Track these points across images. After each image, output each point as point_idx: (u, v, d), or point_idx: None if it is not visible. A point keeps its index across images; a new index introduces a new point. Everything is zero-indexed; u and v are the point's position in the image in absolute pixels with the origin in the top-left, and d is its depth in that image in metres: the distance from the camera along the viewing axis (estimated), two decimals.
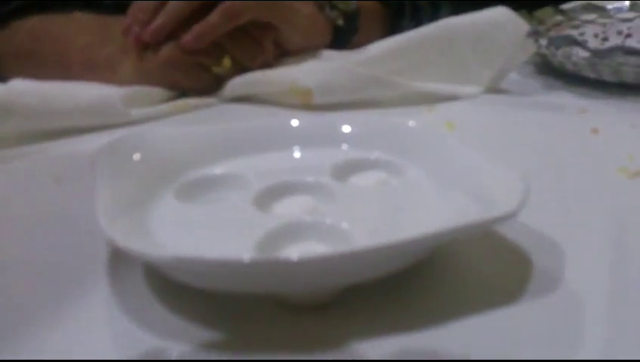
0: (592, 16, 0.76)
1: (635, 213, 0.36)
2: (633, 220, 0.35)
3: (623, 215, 0.35)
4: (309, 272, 0.24)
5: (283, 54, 0.66)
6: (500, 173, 0.30)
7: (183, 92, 0.61)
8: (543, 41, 0.62)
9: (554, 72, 0.63)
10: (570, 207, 0.37)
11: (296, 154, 0.39)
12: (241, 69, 0.61)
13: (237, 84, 0.60)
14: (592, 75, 0.59)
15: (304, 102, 0.56)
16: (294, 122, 0.41)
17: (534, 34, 0.58)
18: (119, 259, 0.32)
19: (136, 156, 0.35)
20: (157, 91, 0.59)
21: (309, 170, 0.37)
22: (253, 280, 0.24)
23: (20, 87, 0.53)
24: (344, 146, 0.39)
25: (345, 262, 0.24)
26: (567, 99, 0.56)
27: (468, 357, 0.24)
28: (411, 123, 0.38)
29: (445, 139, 0.36)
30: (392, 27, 0.74)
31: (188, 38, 0.58)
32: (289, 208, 0.33)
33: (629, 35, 0.71)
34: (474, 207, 0.29)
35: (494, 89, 0.59)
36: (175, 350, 0.25)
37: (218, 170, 0.37)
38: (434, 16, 0.76)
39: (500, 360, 0.24)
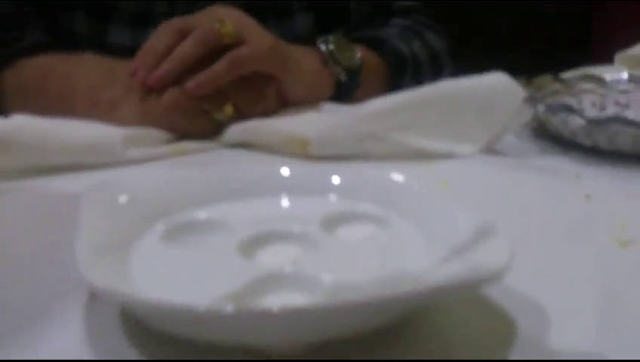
0: (590, 86, 0.77)
1: (625, 282, 0.35)
2: (622, 289, 0.34)
3: (612, 284, 0.35)
4: (281, 325, 0.24)
5: (285, 105, 0.67)
6: (488, 234, 0.30)
7: (182, 136, 0.62)
8: (541, 107, 0.63)
9: (550, 137, 0.64)
10: (558, 271, 0.36)
11: (285, 203, 0.39)
12: (242, 116, 0.62)
13: (237, 130, 0.60)
14: (587, 142, 0.60)
15: (302, 152, 0.56)
16: (284, 170, 0.41)
17: (531, 100, 0.59)
18: (97, 302, 0.31)
19: (122, 198, 0.35)
20: (157, 133, 0.60)
21: (297, 220, 0.37)
22: (223, 329, 0.24)
23: (19, 123, 0.53)
24: (333, 197, 0.40)
25: (316, 316, 0.23)
26: (562, 164, 0.57)
27: None
28: (401, 177, 0.39)
29: (435, 195, 0.37)
30: (394, 84, 0.76)
31: (192, 84, 0.59)
32: (273, 257, 0.33)
33: (626, 107, 0.72)
34: (461, 266, 0.29)
35: (490, 150, 0.59)
36: None
37: (204, 214, 0.37)
38: (435, 76, 0.78)
39: None
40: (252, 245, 0.33)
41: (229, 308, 0.23)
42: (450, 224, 0.34)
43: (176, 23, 0.62)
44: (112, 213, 0.34)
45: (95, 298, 0.31)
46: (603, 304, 0.33)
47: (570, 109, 0.59)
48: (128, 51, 0.64)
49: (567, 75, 0.76)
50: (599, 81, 0.76)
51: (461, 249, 0.31)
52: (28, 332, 0.29)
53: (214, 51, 0.61)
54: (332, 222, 0.37)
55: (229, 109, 0.62)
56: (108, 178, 0.37)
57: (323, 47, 0.70)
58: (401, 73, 0.78)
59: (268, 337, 0.25)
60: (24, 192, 0.49)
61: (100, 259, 0.28)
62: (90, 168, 0.53)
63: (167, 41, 0.60)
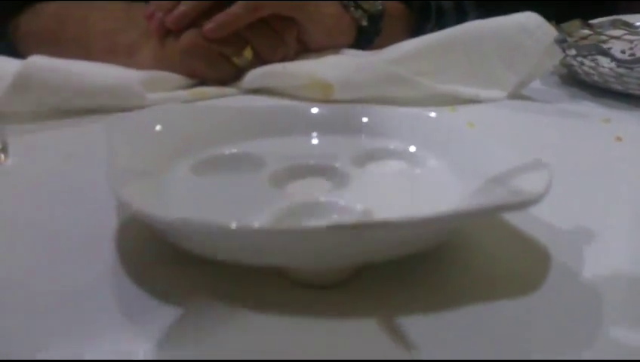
0: (619, 32, 0.75)
1: None
2: None
3: None
4: (321, 245, 0.23)
5: (305, 51, 0.66)
6: (522, 163, 0.29)
7: (201, 81, 0.61)
8: (571, 52, 0.61)
9: (580, 83, 0.62)
10: (590, 206, 0.36)
11: (315, 140, 0.38)
12: (261, 61, 0.61)
13: (256, 75, 0.59)
14: (618, 87, 0.58)
15: (324, 96, 0.55)
16: (314, 109, 0.40)
17: (562, 41, 0.57)
18: (128, 230, 0.31)
19: (153, 128, 0.34)
20: (176, 78, 0.59)
21: (327, 156, 0.36)
22: (262, 250, 0.23)
23: (39, 63, 0.52)
24: (363, 135, 0.38)
25: (360, 235, 0.23)
26: (592, 109, 0.55)
27: (482, 342, 0.23)
28: (432, 113, 0.38)
29: (466, 130, 0.36)
30: (416, 30, 0.74)
31: (210, 26, 0.58)
32: (304, 189, 0.32)
33: None
34: (495, 193, 0.28)
35: (518, 95, 0.57)
36: (181, 317, 0.24)
37: (235, 149, 0.36)
38: (459, 20, 0.75)
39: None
40: (283, 178, 0.33)
41: (259, 225, 0.22)
42: (485, 159, 0.33)
43: None
44: (143, 142, 0.33)
45: (126, 226, 0.31)
46: (634, 236, 0.32)
47: (602, 51, 0.57)
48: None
49: (596, 21, 0.74)
50: (629, 26, 0.74)
51: (497, 177, 0.29)
52: (62, 261, 0.29)
53: None
54: (363, 158, 0.36)
55: (248, 53, 0.60)
56: (136, 111, 0.35)
57: None
58: (425, 19, 0.75)
59: (300, 258, 0.25)
60: (44, 132, 0.48)
61: (132, 183, 0.27)
62: (109, 111, 0.52)
63: None
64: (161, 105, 0.38)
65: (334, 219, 0.29)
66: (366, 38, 0.69)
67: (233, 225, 0.22)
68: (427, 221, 0.23)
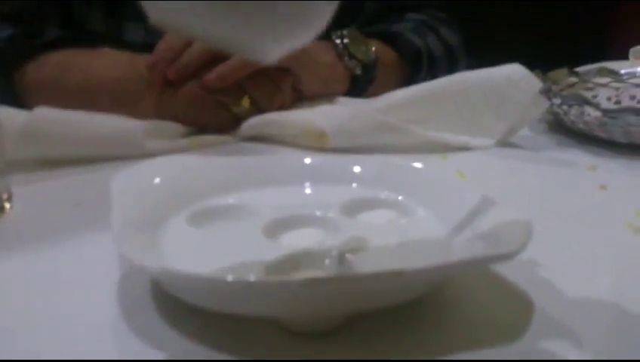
0: (605, 80, 0.77)
1: (637, 264, 0.36)
2: (634, 271, 0.35)
3: (624, 266, 0.35)
4: (311, 295, 0.25)
5: (300, 99, 0.68)
6: (505, 215, 0.31)
7: (201, 129, 0.63)
8: (556, 100, 0.63)
9: (566, 130, 0.64)
10: (573, 255, 0.37)
11: (307, 190, 0.40)
12: (259, 110, 0.63)
13: (253, 124, 0.61)
14: (603, 135, 0.60)
15: (319, 144, 0.57)
16: (307, 159, 0.42)
17: (547, 91, 0.59)
18: (129, 280, 0.32)
19: (156, 180, 0.36)
20: (176, 127, 0.61)
21: (319, 206, 0.37)
22: (247, 302, 0.25)
23: (44, 115, 0.54)
24: (354, 185, 0.40)
25: (347, 287, 0.24)
26: (578, 156, 0.57)
27: None
28: (420, 165, 0.39)
29: (453, 182, 0.37)
30: (409, 78, 0.76)
31: (210, 77, 0.60)
32: (297, 239, 0.34)
33: None
34: (480, 244, 0.30)
35: (506, 143, 0.60)
36: None
37: (230, 200, 0.38)
38: (450, 67, 0.78)
39: None
40: (276, 228, 0.34)
41: (253, 277, 0.24)
42: (468, 208, 0.34)
43: None
44: (143, 195, 0.34)
45: (126, 277, 0.32)
46: (616, 285, 0.33)
47: (586, 101, 0.59)
48: (144, 49, 0.65)
49: (583, 68, 0.76)
50: (615, 74, 0.76)
51: (481, 229, 0.31)
52: (62, 309, 0.30)
53: None
54: (353, 208, 0.37)
55: (246, 103, 0.63)
56: (137, 164, 0.37)
57: (338, 41, 0.71)
58: (417, 68, 0.78)
59: (290, 308, 0.26)
60: (48, 182, 0.50)
61: (132, 236, 0.29)
62: (111, 160, 0.54)
63: None
64: (160, 158, 0.40)
65: (326, 265, 0.30)
66: (360, 86, 0.72)
67: (209, 277, 0.23)
68: (411, 273, 0.24)
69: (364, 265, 0.30)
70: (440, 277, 0.28)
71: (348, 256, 0.31)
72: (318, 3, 0.23)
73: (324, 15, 0.24)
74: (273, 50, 0.25)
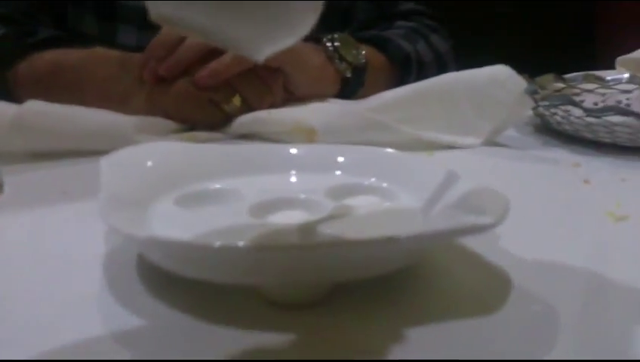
0: (592, 86, 0.78)
1: (614, 249, 0.37)
2: (611, 254, 0.36)
3: (603, 250, 0.36)
4: (278, 260, 0.25)
5: (291, 100, 0.69)
6: (485, 192, 0.32)
7: (191, 126, 0.63)
8: (543, 103, 0.64)
9: (552, 132, 0.65)
10: (554, 238, 0.38)
11: (293, 178, 0.41)
12: (249, 108, 0.63)
13: (244, 121, 0.62)
14: (588, 135, 0.61)
15: (308, 141, 0.58)
16: (293, 149, 0.43)
17: (533, 92, 0.60)
18: (115, 256, 0.33)
19: (145, 163, 0.37)
20: (167, 123, 0.61)
21: (304, 191, 0.38)
22: (231, 268, 0.25)
23: (33, 108, 0.55)
24: (338, 173, 0.41)
25: (334, 254, 0.25)
26: (563, 155, 0.58)
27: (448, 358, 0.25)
28: (403, 153, 0.40)
29: (437, 169, 0.38)
30: (398, 84, 0.77)
31: (202, 74, 0.61)
32: (282, 220, 0.34)
33: (627, 106, 0.73)
34: (466, 216, 0.30)
35: (493, 142, 0.60)
36: (162, 336, 0.26)
37: (218, 185, 0.38)
38: (440, 72, 0.79)
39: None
40: (262, 210, 0.35)
41: (235, 243, 0.24)
42: (452, 193, 0.35)
43: None
44: (131, 176, 0.35)
45: (111, 254, 0.32)
46: (593, 265, 0.34)
47: (571, 101, 0.60)
48: (136, 52, 0.66)
49: (569, 75, 0.78)
50: (601, 80, 0.77)
51: (463, 205, 0.32)
52: (50, 283, 0.31)
53: None
54: (337, 193, 0.38)
55: (237, 101, 0.63)
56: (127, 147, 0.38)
57: (329, 44, 0.72)
58: (406, 72, 0.79)
59: (271, 275, 0.26)
60: (39, 172, 0.50)
61: (119, 211, 0.29)
62: (100, 154, 0.54)
63: (178, 34, 0.62)
64: (151, 143, 0.40)
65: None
66: (350, 89, 0.73)
67: (192, 244, 0.24)
68: (406, 240, 0.25)
69: (348, 234, 0.30)
70: (428, 245, 0.29)
71: (329, 231, 0.31)
72: (306, 3, 0.25)
73: (313, 14, 0.25)
74: (265, 47, 0.26)
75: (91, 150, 0.54)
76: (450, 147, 0.59)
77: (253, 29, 0.25)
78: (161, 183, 0.36)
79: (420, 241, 0.27)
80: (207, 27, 0.25)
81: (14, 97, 0.68)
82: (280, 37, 0.26)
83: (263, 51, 0.27)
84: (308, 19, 0.25)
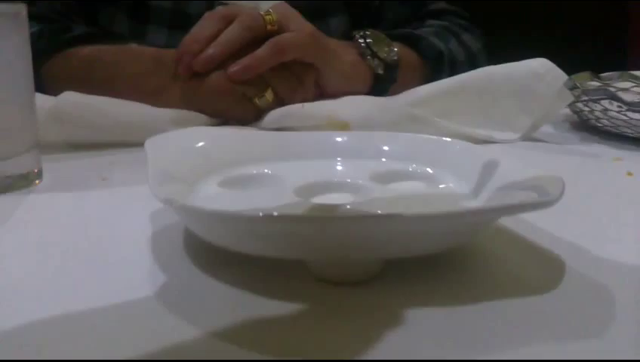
0: (628, 85, 0.77)
1: None
2: None
3: None
4: (326, 232, 0.24)
5: (322, 97, 0.68)
6: (535, 174, 0.31)
7: (224, 120, 0.63)
8: (583, 97, 0.63)
9: (591, 128, 0.64)
10: (602, 228, 0.37)
11: (338, 164, 0.40)
12: (281, 103, 0.63)
13: (276, 115, 0.61)
14: (628, 131, 0.60)
15: None
16: (338, 137, 0.42)
17: (572, 87, 0.59)
18: (162, 235, 0.32)
19: (189, 145, 0.36)
20: (200, 117, 0.61)
21: (350, 176, 0.37)
22: (284, 241, 0.25)
23: (73, 98, 0.55)
24: (384, 159, 0.40)
25: (393, 227, 0.24)
26: (603, 149, 0.57)
27: (503, 337, 0.24)
28: (444, 139, 0.39)
29: (482, 152, 0.37)
30: (430, 81, 0.76)
31: (235, 68, 0.61)
32: (328, 201, 0.34)
33: None
34: (519, 195, 0.30)
35: (531, 137, 0.59)
36: (213, 313, 0.25)
37: (263, 169, 0.38)
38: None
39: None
40: (307, 192, 0.34)
41: (282, 214, 0.24)
42: (502, 176, 0.34)
43: (221, 10, 0.63)
44: (175, 156, 0.35)
45: (158, 234, 0.32)
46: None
47: (610, 95, 0.59)
48: (169, 46, 0.66)
49: (605, 74, 0.76)
50: (637, 79, 0.76)
51: (515, 187, 0.31)
52: (99, 268, 0.30)
53: (257, 39, 0.62)
54: (384, 178, 0.37)
55: (269, 95, 0.63)
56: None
57: (361, 41, 0.71)
58: (438, 70, 0.78)
59: (321, 249, 0.26)
60: (74, 161, 0.50)
61: (166, 186, 0.29)
62: (136, 145, 0.54)
63: (212, 28, 0.62)
64: (194, 128, 0.40)
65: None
66: (382, 86, 0.72)
67: (242, 213, 0.23)
68: (451, 216, 0.24)
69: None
70: (490, 220, 0.28)
71: (379, 211, 0.30)
72: None
73: None
74: None
75: (127, 141, 0.55)
76: (487, 142, 0.58)
77: None
78: (206, 165, 0.36)
79: (483, 216, 0.26)
80: None
81: (49, 92, 0.68)
82: None
83: None
84: None
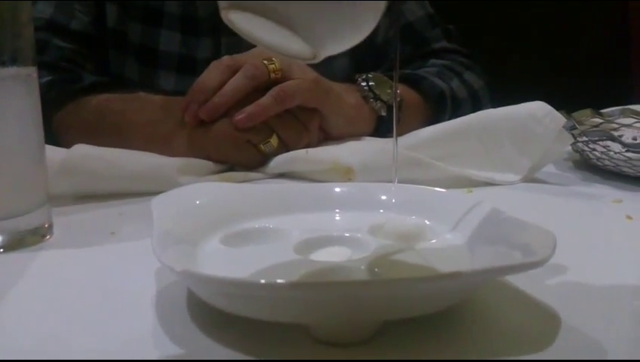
0: (629, 121, 0.78)
1: None
2: None
3: None
4: (325, 298, 0.25)
5: (327, 140, 0.70)
6: (530, 228, 0.32)
7: (230, 166, 0.65)
8: (582, 138, 0.64)
9: (592, 167, 0.65)
10: (599, 275, 0.37)
11: (337, 216, 0.41)
12: (286, 149, 0.65)
13: (281, 160, 0.63)
14: (629, 171, 0.60)
15: (346, 180, 0.58)
16: (336, 188, 0.43)
17: (572, 128, 0.60)
18: (166, 293, 0.33)
19: (193, 203, 0.38)
20: (207, 164, 0.63)
21: (348, 230, 0.38)
22: (281, 306, 0.26)
23: (83, 151, 0.57)
24: (381, 211, 0.41)
25: (380, 292, 0.25)
26: (604, 190, 0.58)
27: None
28: (444, 190, 0.40)
29: (479, 204, 0.38)
30: (433, 122, 0.77)
31: (241, 117, 0.62)
32: (326, 257, 0.35)
33: None
34: (511, 254, 0.30)
35: (532, 178, 0.60)
36: None
37: (263, 223, 0.39)
38: (474, 109, 0.79)
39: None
40: (307, 247, 0.35)
41: (283, 281, 0.25)
42: (496, 229, 0.35)
43: (226, 60, 0.65)
44: (180, 216, 0.36)
45: (163, 292, 0.33)
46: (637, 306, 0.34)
47: (610, 137, 0.60)
48: (174, 95, 0.68)
49: (607, 110, 0.77)
50: (638, 115, 0.77)
51: (510, 243, 0.32)
52: (103, 321, 0.31)
53: (262, 87, 0.64)
54: (380, 232, 0.38)
55: (274, 141, 0.65)
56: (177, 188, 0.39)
57: (363, 84, 0.73)
58: (441, 110, 0.80)
59: (321, 313, 0.27)
60: (84, 214, 0.52)
61: (171, 248, 0.30)
62: (145, 195, 0.55)
63: (218, 77, 0.64)
64: (197, 184, 0.42)
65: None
66: (385, 127, 0.73)
67: (240, 281, 0.24)
68: (444, 277, 0.25)
69: (396, 272, 0.30)
70: (480, 282, 0.28)
71: (377, 269, 0.31)
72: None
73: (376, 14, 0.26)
74: (328, 45, 0.26)
75: (136, 192, 0.56)
76: (489, 184, 0.58)
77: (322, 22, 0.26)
78: (209, 223, 0.37)
79: (474, 279, 0.27)
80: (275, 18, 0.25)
81: (60, 142, 0.70)
82: (344, 34, 0.26)
83: (325, 49, 0.27)
84: (371, 17, 0.26)
